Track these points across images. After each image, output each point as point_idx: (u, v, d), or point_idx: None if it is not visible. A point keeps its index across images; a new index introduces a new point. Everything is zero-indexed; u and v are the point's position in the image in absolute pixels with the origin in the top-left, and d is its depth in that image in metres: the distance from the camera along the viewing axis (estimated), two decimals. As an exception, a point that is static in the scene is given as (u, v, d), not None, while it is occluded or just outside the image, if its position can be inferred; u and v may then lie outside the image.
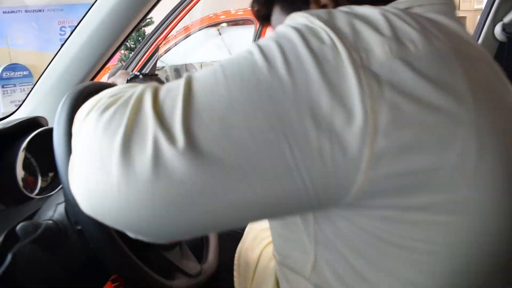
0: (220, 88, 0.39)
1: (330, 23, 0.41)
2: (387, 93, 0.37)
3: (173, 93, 0.41)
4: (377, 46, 0.39)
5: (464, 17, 6.55)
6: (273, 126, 0.37)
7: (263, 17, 0.65)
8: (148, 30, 5.34)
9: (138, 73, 0.67)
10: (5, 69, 6.73)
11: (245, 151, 0.37)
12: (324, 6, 0.54)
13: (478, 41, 1.91)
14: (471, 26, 4.32)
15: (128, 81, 0.68)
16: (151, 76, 0.67)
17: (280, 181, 0.38)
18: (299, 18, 0.43)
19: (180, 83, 0.41)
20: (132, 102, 0.41)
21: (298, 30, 0.41)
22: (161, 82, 0.68)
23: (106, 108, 0.42)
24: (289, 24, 0.42)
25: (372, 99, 0.37)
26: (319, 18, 0.41)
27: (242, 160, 0.37)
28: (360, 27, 0.40)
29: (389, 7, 0.45)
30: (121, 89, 0.47)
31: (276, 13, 0.63)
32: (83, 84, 0.70)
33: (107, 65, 1.14)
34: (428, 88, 0.38)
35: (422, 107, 0.38)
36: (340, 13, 0.42)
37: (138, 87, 0.44)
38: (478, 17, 1.99)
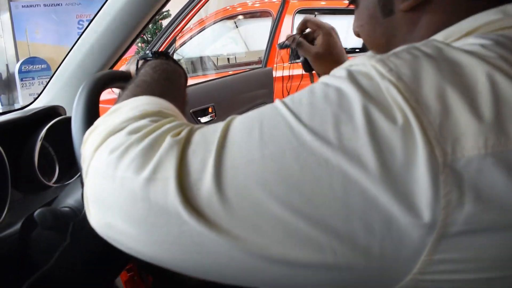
0: (256, 169, 0.33)
1: (411, 92, 0.31)
2: (467, 203, 0.30)
3: (200, 166, 0.35)
4: (470, 137, 0.30)
5: None
6: (314, 226, 0.32)
7: None
8: (165, 23, 5.35)
9: (148, 52, 0.66)
10: (24, 63, 6.82)
11: (277, 243, 0.33)
12: None
13: None
14: None
15: (138, 64, 0.67)
16: (161, 55, 0.66)
17: (314, 274, 0.33)
18: (369, 70, 0.34)
19: (210, 155, 0.35)
20: (152, 165, 0.36)
21: (362, 92, 0.32)
22: (172, 60, 0.67)
23: (124, 152, 0.38)
24: (352, 76, 0.34)
25: (447, 211, 0.30)
26: (398, 79, 0.32)
27: (274, 252, 0.33)
28: (454, 100, 0.30)
29: (494, 48, 0.34)
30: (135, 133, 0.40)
31: None
32: (100, 73, 0.70)
33: (124, 57, 1.14)
34: None
35: (506, 218, 0.30)
36: (428, 66, 0.32)
37: (163, 140, 0.38)
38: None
